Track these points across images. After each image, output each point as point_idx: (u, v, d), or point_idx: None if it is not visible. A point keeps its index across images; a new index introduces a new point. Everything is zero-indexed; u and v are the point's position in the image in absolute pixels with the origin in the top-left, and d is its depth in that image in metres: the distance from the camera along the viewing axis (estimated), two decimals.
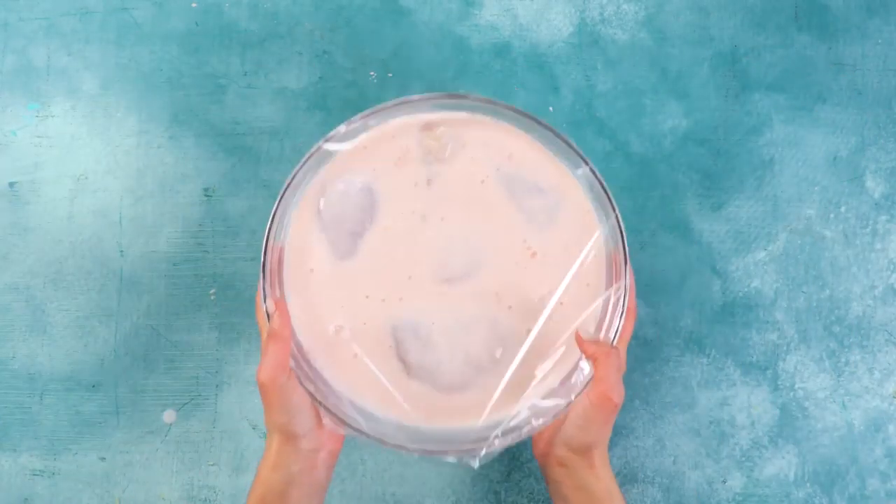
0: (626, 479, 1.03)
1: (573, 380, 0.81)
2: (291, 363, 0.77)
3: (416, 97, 0.81)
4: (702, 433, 1.03)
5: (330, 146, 0.81)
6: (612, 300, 0.81)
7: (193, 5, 1.09)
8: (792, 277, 1.05)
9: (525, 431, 0.78)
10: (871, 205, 1.06)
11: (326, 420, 0.79)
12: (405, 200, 0.84)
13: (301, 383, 0.78)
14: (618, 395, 0.76)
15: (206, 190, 1.06)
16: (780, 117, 1.07)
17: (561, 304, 0.82)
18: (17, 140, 1.07)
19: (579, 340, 0.79)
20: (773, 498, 1.02)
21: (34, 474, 1.02)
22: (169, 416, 1.03)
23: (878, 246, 1.06)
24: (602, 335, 0.81)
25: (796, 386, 1.04)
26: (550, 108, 1.07)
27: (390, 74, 1.07)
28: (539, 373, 0.81)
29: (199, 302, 1.04)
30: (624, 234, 0.80)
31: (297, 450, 0.80)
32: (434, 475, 1.03)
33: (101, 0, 1.09)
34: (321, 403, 0.78)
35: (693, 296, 1.05)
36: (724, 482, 1.03)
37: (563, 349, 0.82)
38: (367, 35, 1.08)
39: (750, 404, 1.04)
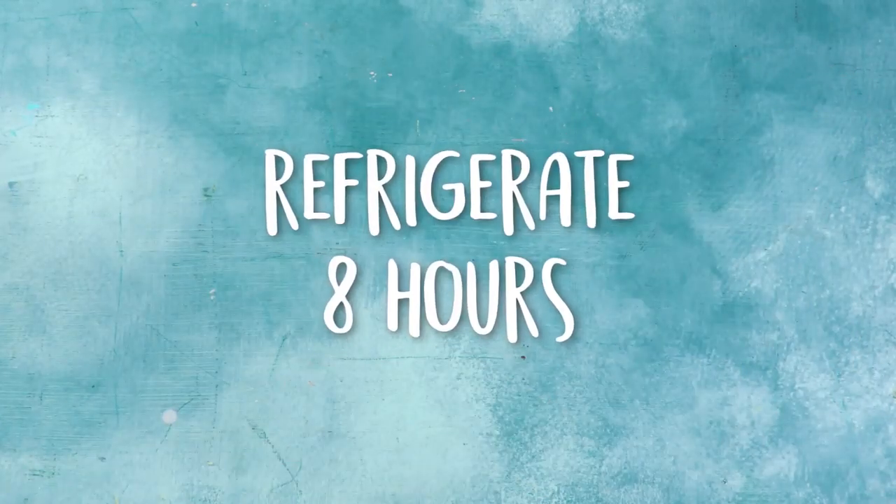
0: (626, 479, 1.03)
1: None
2: None
3: None
4: (702, 433, 1.03)
5: None
6: None
7: (193, 5, 1.09)
8: (792, 277, 1.05)
9: None
10: (871, 205, 1.06)
11: None
12: None
13: None
14: None
15: (205, 190, 1.06)
16: (780, 117, 1.07)
17: None
18: (17, 140, 1.07)
19: None
20: (773, 498, 1.02)
21: (34, 474, 1.02)
22: (169, 416, 1.03)
23: (878, 246, 1.06)
24: None
25: (796, 386, 1.04)
26: (550, 108, 1.07)
27: (390, 74, 1.07)
28: None
29: (198, 302, 1.04)
30: None
31: None
32: (434, 475, 1.03)
33: (101, 0, 1.09)
34: None
35: (693, 296, 1.05)
36: (725, 482, 1.03)
37: None
38: (367, 35, 1.08)
39: (750, 404, 1.04)
